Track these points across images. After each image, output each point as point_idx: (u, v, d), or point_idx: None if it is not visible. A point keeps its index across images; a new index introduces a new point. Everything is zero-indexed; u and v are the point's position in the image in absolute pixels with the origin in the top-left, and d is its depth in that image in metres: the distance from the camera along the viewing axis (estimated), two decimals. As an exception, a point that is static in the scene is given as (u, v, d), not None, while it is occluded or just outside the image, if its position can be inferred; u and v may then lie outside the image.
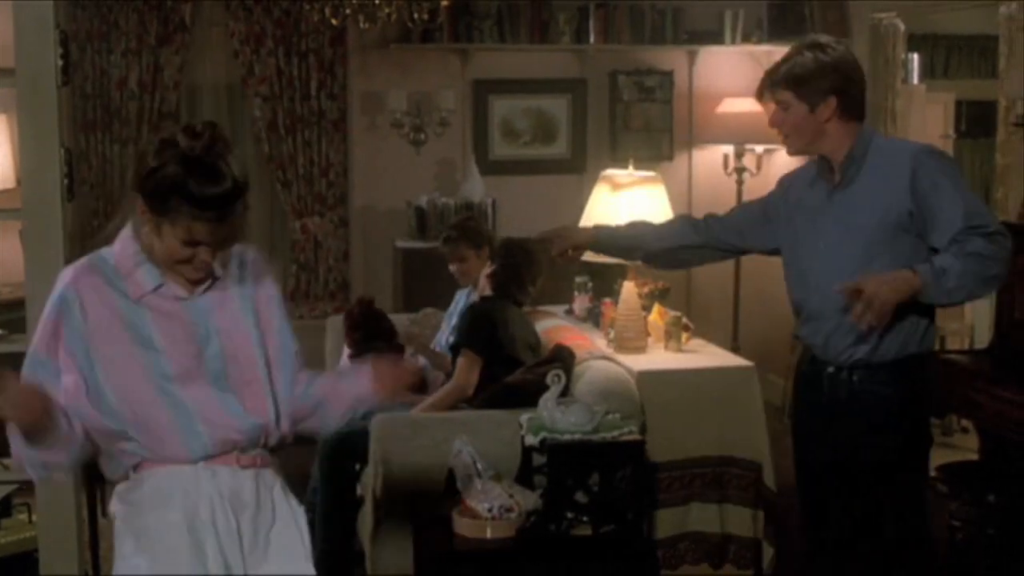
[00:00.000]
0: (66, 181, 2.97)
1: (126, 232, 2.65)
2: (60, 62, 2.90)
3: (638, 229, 4.10)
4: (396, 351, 5.45)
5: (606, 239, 4.08)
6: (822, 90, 3.52)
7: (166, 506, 2.63)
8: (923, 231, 3.38)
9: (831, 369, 3.55)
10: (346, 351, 5.59)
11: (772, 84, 3.64)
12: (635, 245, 4.04)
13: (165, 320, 2.63)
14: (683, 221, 4.07)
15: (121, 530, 2.68)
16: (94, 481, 5.02)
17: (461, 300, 5.57)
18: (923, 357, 3.53)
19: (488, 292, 5.12)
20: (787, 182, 3.82)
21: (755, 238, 3.84)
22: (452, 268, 5.54)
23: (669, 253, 3.97)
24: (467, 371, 4.88)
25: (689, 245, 3.94)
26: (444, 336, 5.64)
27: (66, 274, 2.64)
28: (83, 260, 2.67)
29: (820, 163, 3.64)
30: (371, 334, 5.47)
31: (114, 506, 2.71)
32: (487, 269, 5.16)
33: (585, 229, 4.40)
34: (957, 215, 3.31)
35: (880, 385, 3.48)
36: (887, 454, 3.49)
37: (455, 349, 5.02)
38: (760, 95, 3.71)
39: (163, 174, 2.48)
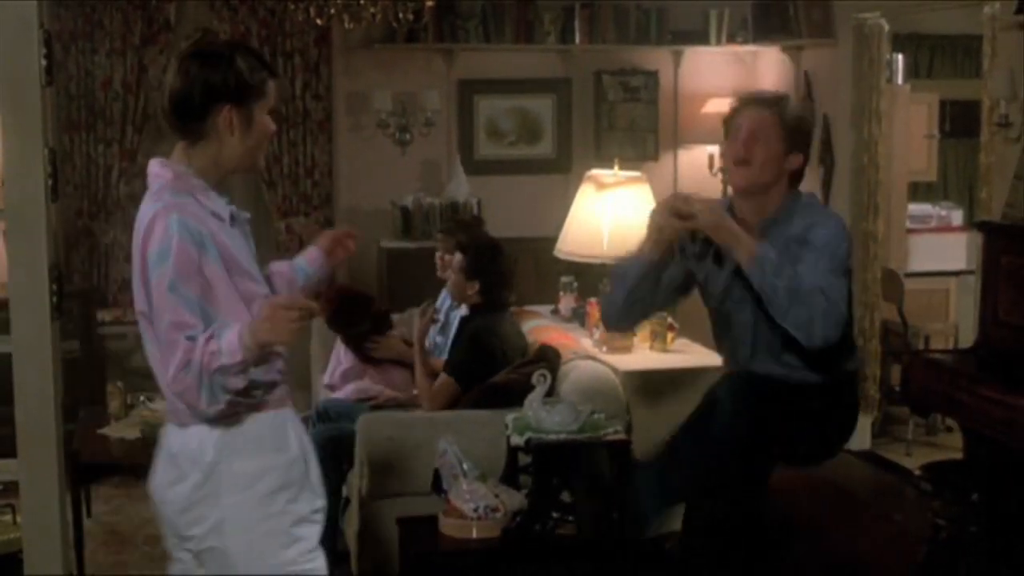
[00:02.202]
0: (50, 181, 2.96)
1: (178, 169, 2.74)
2: (44, 62, 2.89)
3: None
4: (381, 331, 5.44)
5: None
6: (800, 141, 3.55)
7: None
8: None
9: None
10: (342, 349, 5.56)
11: (767, 106, 3.55)
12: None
13: (241, 240, 2.80)
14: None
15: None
16: (79, 482, 5.02)
17: (447, 298, 5.56)
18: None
19: (477, 300, 5.06)
20: None
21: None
22: (437, 256, 5.52)
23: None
24: (442, 394, 4.87)
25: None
26: (432, 335, 5.64)
27: (165, 211, 2.65)
28: (167, 196, 2.69)
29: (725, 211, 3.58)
30: (352, 319, 5.45)
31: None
32: (471, 285, 5.06)
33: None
34: (818, 275, 3.36)
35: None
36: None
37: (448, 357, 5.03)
38: (739, 109, 3.59)
39: (234, 65, 2.71)
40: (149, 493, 2.89)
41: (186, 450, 2.74)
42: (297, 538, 2.78)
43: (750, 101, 3.59)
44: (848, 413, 3.79)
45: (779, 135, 3.50)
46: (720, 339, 3.82)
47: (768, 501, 3.76)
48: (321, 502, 2.86)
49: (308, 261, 3.21)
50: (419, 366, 5.01)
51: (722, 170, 7.79)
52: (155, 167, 2.77)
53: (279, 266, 3.15)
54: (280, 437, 2.78)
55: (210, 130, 2.73)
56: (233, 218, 2.78)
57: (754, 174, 3.51)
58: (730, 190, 3.83)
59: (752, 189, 3.55)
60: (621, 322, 3.91)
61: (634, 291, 3.63)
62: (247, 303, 2.71)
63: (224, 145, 2.74)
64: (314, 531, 2.83)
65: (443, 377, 4.91)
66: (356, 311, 5.47)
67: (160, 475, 2.85)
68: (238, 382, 2.59)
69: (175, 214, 2.63)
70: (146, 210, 2.71)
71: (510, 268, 5.11)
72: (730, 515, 3.59)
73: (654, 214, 3.54)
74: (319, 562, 2.83)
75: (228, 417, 2.68)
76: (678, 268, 3.68)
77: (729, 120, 3.61)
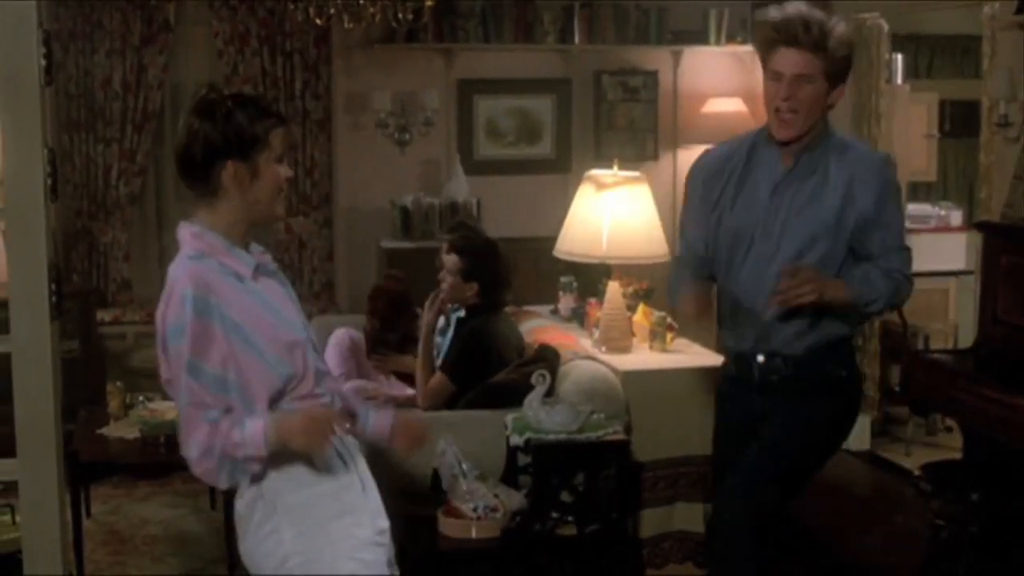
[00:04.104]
0: (50, 181, 2.95)
1: (194, 229, 2.74)
2: (43, 62, 2.89)
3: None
4: (404, 348, 5.47)
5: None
6: (844, 72, 3.41)
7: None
8: (860, 237, 3.44)
9: (761, 358, 3.57)
10: (342, 347, 5.57)
11: (812, 47, 3.32)
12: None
13: (272, 291, 2.80)
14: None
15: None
16: (78, 482, 5.02)
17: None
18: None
19: (475, 301, 5.06)
20: (716, 166, 3.62)
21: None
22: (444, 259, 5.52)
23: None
24: (436, 393, 4.88)
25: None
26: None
27: (182, 279, 2.66)
28: (185, 263, 2.71)
29: (752, 140, 3.54)
30: (391, 324, 5.50)
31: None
32: (469, 287, 5.05)
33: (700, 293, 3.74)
34: (897, 233, 3.45)
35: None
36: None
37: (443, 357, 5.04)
38: (779, 46, 3.35)
39: (235, 119, 2.68)
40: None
41: (245, 503, 2.79)
42: (363, 562, 2.77)
43: (792, 40, 3.33)
44: (853, 406, 3.76)
45: (823, 78, 3.36)
46: (730, 324, 3.70)
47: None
48: (385, 523, 2.87)
49: (374, 425, 3.10)
50: (422, 358, 5.02)
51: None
52: (180, 230, 2.78)
53: (353, 389, 3.16)
54: (325, 464, 2.78)
55: (218, 186, 2.72)
56: (259, 268, 2.78)
57: (800, 124, 3.39)
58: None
59: (798, 137, 3.42)
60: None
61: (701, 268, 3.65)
62: (286, 349, 2.73)
63: (236, 200, 2.73)
64: (380, 553, 2.84)
65: (438, 376, 4.92)
66: (402, 316, 5.55)
67: (241, 538, 2.87)
68: (258, 467, 2.66)
69: (190, 289, 2.64)
70: (171, 274, 2.73)
71: (507, 269, 5.11)
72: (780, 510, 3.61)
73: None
74: None
75: (275, 453, 2.70)
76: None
77: (767, 54, 3.41)
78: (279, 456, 2.69)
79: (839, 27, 3.37)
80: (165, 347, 2.69)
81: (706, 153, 3.74)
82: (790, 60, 3.34)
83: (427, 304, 5.15)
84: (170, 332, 2.65)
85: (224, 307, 2.65)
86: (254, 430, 2.60)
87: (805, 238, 3.45)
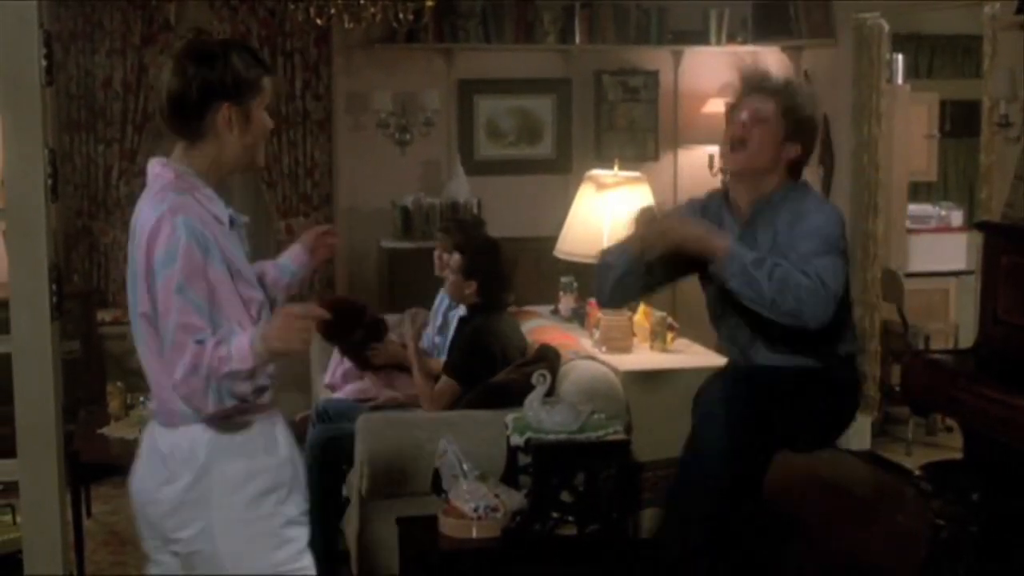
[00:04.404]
0: (50, 181, 2.95)
1: (177, 169, 2.74)
2: (44, 62, 2.89)
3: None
4: (377, 338, 5.42)
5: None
6: (803, 131, 3.56)
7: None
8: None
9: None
10: (336, 357, 5.56)
11: (767, 90, 3.57)
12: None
13: (237, 245, 2.79)
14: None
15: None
16: (79, 482, 5.02)
17: (445, 298, 5.56)
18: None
19: (475, 300, 5.07)
20: (700, 206, 3.79)
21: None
22: (435, 255, 5.52)
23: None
24: (444, 397, 4.88)
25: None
26: (430, 336, 5.64)
27: (173, 210, 2.65)
28: (171, 197, 2.69)
29: (720, 198, 3.71)
30: (345, 330, 5.43)
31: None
32: (468, 285, 5.06)
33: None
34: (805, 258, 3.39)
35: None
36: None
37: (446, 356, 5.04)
38: (744, 94, 3.62)
39: (230, 63, 2.69)
40: (131, 493, 2.89)
41: (177, 451, 2.74)
42: (287, 539, 2.78)
43: (754, 88, 3.60)
44: (848, 397, 3.80)
45: (779, 122, 3.52)
46: (718, 329, 3.85)
47: (763, 498, 3.77)
48: (306, 504, 2.87)
49: (292, 260, 3.20)
50: (416, 371, 5.01)
51: (722, 170, 7.80)
52: (156, 167, 2.77)
53: (265, 266, 3.14)
54: (270, 439, 2.78)
55: (209, 129, 2.72)
56: (232, 221, 2.79)
57: (749, 158, 3.54)
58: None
59: (746, 172, 3.59)
60: (612, 304, 4.20)
61: (623, 278, 3.67)
62: (247, 307, 2.71)
63: (224, 143, 2.74)
64: (303, 532, 2.84)
65: (444, 379, 4.91)
66: (349, 321, 5.45)
67: (146, 476, 2.87)
68: (246, 387, 2.60)
69: (181, 216, 2.63)
70: (148, 210, 2.71)
71: (508, 268, 5.11)
72: (729, 518, 3.60)
73: (634, 226, 3.57)
74: (307, 562, 2.84)
75: (221, 419, 2.68)
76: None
77: (733, 104, 3.66)
78: (226, 425, 2.69)
79: (805, 87, 3.70)
80: (151, 280, 2.66)
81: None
82: (750, 103, 3.55)
83: (409, 317, 5.18)
84: (159, 261, 2.63)
85: (212, 242, 2.64)
86: (240, 344, 2.57)
87: None
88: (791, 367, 3.60)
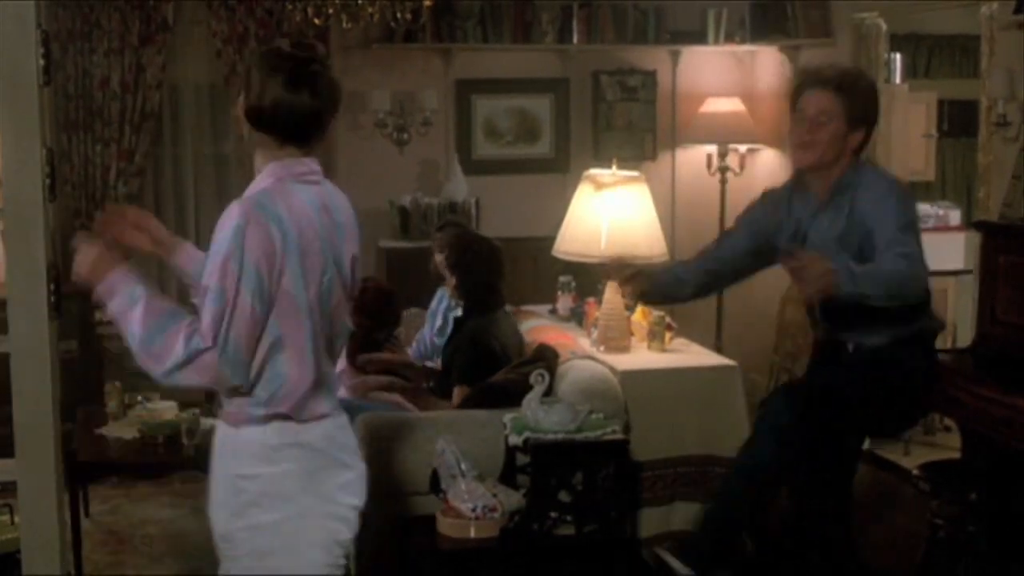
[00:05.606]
0: (48, 181, 2.95)
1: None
2: (42, 62, 2.89)
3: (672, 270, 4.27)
4: (390, 349, 5.47)
5: (651, 288, 4.14)
6: (863, 118, 3.70)
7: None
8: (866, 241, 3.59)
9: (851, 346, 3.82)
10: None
11: (835, 88, 3.68)
12: (676, 281, 4.15)
13: None
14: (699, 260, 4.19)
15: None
16: (77, 482, 5.02)
17: (444, 298, 5.56)
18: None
19: (457, 296, 5.08)
20: (778, 196, 3.95)
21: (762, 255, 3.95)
22: (435, 258, 5.54)
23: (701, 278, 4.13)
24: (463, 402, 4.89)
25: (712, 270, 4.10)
26: (428, 335, 5.64)
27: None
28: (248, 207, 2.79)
29: (796, 181, 3.85)
30: (379, 322, 5.50)
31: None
32: (449, 280, 5.11)
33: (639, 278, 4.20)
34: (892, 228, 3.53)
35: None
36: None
37: (448, 367, 5.04)
38: (800, 93, 3.75)
39: (335, 81, 2.99)
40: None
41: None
42: (333, 532, 2.86)
43: (816, 82, 3.73)
44: (928, 373, 3.93)
45: (842, 117, 3.67)
46: (809, 310, 3.98)
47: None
48: (358, 501, 2.95)
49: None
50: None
51: (720, 169, 7.82)
52: (314, 164, 3.11)
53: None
54: (295, 445, 2.85)
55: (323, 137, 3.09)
56: None
57: (819, 156, 3.70)
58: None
59: (815, 168, 3.74)
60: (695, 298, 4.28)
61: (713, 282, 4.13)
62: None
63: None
64: (345, 528, 2.91)
65: (458, 390, 4.90)
66: (389, 313, 5.54)
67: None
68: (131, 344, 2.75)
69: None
70: (341, 200, 3.17)
71: (490, 263, 5.09)
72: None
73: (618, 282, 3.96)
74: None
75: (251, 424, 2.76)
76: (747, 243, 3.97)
77: (794, 98, 3.79)
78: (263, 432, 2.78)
79: (865, 78, 3.83)
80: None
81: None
82: (813, 99, 3.71)
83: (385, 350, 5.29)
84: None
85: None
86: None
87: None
88: (874, 345, 3.74)
